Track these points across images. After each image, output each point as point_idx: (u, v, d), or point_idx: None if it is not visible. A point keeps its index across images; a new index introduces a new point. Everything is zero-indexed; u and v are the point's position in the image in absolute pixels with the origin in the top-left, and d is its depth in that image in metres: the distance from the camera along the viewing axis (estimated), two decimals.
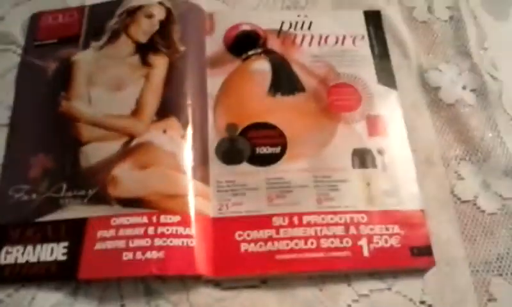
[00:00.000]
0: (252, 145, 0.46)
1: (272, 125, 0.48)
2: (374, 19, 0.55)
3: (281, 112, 0.48)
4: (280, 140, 0.47)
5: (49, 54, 0.49)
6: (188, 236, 0.41)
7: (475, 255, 0.45)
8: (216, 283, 0.42)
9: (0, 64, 0.50)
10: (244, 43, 0.52)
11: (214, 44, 0.52)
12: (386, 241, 0.43)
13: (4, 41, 0.51)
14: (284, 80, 0.50)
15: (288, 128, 0.47)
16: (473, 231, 0.46)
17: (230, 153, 0.46)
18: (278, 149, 0.47)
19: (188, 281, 0.42)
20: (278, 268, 0.42)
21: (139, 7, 0.50)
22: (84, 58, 0.49)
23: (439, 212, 0.47)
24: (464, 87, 0.53)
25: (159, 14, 0.50)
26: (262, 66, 0.51)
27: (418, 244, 0.44)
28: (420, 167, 0.48)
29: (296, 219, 0.44)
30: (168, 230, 0.41)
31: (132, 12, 0.50)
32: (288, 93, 0.50)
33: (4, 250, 0.41)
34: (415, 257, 0.43)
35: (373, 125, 0.48)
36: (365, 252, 0.43)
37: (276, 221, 0.44)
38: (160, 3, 0.51)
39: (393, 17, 0.56)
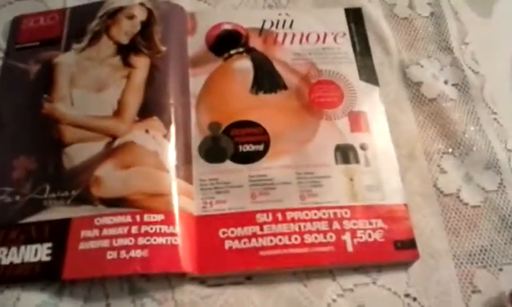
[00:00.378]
0: (235, 143, 0.47)
1: (255, 123, 0.48)
2: (355, 16, 0.55)
3: (263, 110, 0.49)
4: (262, 137, 0.47)
5: (31, 56, 0.49)
6: (172, 234, 0.41)
7: (459, 247, 0.46)
8: (201, 280, 0.42)
9: None
10: (225, 42, 0.52)
11: (196, 44, 0.52)
12: (369, 235, 0.44)
13: None
14: (266, 79, 0.50)
15: (271, 125, 0.48)
16: (457, 224, 0.47)
17: (213, 151, 0.46)
18: (261, 147, 0.47)
19: (173, 278, 0.42)
20: (263, 265, 0.42)
21: (120, 9, 0.51)
22: (65, 60, 0.49)
23: (422, 205, 0.47)
24: (445, 82, 0.53)
25: (140, 15, 0.50)
26: (244, 65, 0.51)
27: (401, 238, 0.44)
28: (403, 162, 0.48)
29: (279, 216, 0.44)
30: (151, 229, 0.41)
31: (113, 13, 0.50)
32: (271, 90, 0.50)
33: None
34: (399, 250, 0.43)
35: (355, 121, 0.49)
36: (349, 247, 0.43)
37: (260, 218, 0.44)
38: (141, 4, 0.51)
39: (374, 14, 0.56)
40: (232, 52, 0.51)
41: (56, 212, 0.42)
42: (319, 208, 0.44)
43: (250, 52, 0.52)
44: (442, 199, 0.48)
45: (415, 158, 0.49)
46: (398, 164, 0.48)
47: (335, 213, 0.44)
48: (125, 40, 0.49)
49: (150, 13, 0.51)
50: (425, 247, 0.45)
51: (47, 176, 0.44)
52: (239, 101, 0.49)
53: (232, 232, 0.43)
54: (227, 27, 0.53)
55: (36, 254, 0.41)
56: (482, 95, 0.52)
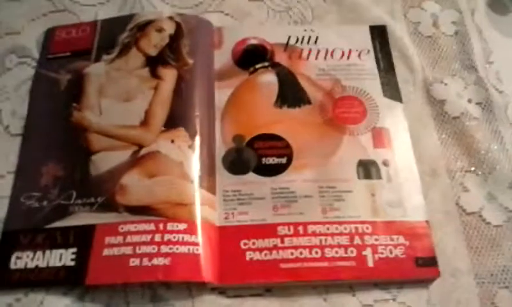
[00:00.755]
0: (258, 155, 0.47)
1: (279, 136, 0.48)
2: (379, 34, 0.56)
3: (287, 123, 0.49)
4: (286, 151, 0.48)
5: (62, 66, 0.51)
6: (194, 243, 0.42)
7: (481, 267, 0.45)
8: (221, 291, 0.43)
9: (16, 77, 0.51)
10: (251, 56, 0.53)
11: (222, 57, 0.53)
12: (390, 251, 0.43)
13: (20, 54, 0.52)
14: (290, 93, 0.51)
15: (294, 139, 0.48)
16: (479, 243, 0.46)
17: (237, 163, 0.47)
18: (284, 160, 0.47)
19: (194, 288, 0.42)
20: (283, 277, 0.42)
21: (150, 22, 0.52)
22: (95, 71, 0.50)
23: (444, 223, 0.47)
24: (469, 101, 0.53)
25: (169, 28, 0.52)
26: (269, 79, 0.52)
27: (422, 255, 0.44)
28: (426, 179, 0.48)
29: (300, 229, 0.44)
30: (174, 237, 0.42)
31: (143, 26, 0.52)
32: (295, 105, 0.50)
33: (14, 255, 0.42)
34: (420, 267, 0.43)
35: (378, 137, 0.49)
36: (370, 263, 0.43)
37: (281, 230, 0.44)
38: (170, 18, 0.52)
39: (399, 32, 0.56)
40: (258, 66, 0.52)
41: (81, 218, 0.43)
42: (340, 223, 0.45)
43: (275, 66, 0.53)
44: (464, 217, 0.47)
45: (438, 176, 0.49)
46: (420, 181, 0.48)
47: (356, 228, 0.44)
48: (153, 52, 0.51)
49: (178, 26, 0.52)
50: (447, 265, 0.44)
51: (73, 182, 0.45)
52: (263, 114, 0.50)
53: (253, 243, 0.43)
54: (253, 42, 0.54)
55: (60, 259, 0.42)
56: (506, 114, 0.52)
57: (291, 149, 0.48)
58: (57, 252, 0.42)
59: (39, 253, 0.42)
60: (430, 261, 0.43)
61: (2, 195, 0.45)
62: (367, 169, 0.47)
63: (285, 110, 0.50)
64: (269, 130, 0.49)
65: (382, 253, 0.43)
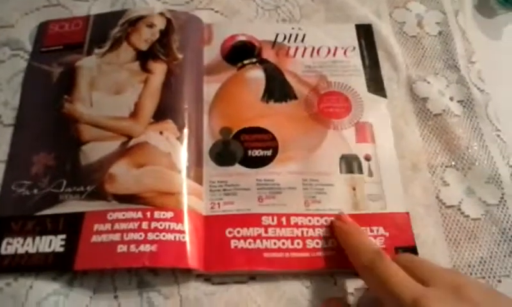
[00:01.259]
0: (245, 148, 0.49)
1: (265, 130, 0.50)
2: (365, 32, 0.57)
3: (273, 117, 0.51)
4: (271, 143, 0.49)
5: (55, 59, 0.52)
6: (180, 231, 0.43)
7: (459, 258, 0.47)
8: (206, 278, 0.44)
9: (9, 69, 0.52)
10: (239, 52, 0.54)
11: (211, 53, 0.54)
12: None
13: (13, 47, 0.53)
14: (277, 88, 0.52)
15: (280, 132, 0.50)
16: (458, 235, 0.48)
17: (223, 155, 0.48)
18: (269, 152, 0.49)
19: (179, 274, 0.44)
20: (266, 266, 0.44)
21: (141, 17, 0.53)
22: (87, 64, 0.51)
23: (424, 216, 0.48)
24: (451, 99, 0.55)
25: (160, 24, 0.53)
26: (256, 75, 0.53)
27: (403, 245, 0.45)
28: (407, 173, 0.50)
29: (284, 220, 0.46)
30: (161, 225, 0.43)
31: (134, 22, 0.53)
32: (281, 100, 0.52)
33: (5, 241, 0.43)
34: None
35: (361, 131, 0.50)
36: None
37: (265, 220, 0.45)
38: (161, 14, 0.53)
39: (384, 31, 0.58)
40: (246, 62, 0.54)
41: (71, 206, 0.44)
42: (321, 215, 0.46)
43: (263, 63, 0.54)
44: (444, 210, 0.49)
45: (419, 170, 0.50)
46: (401, 175, 0.49)
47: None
48: (144, 47, 0.52)
49: (169, 22, 0.53)
50: (427, 256, 0.45)
51: (64, 172, 0.46)
52: (250, 108, 0.51)
53: (238, 232, 0.45)
54: (242, 38, 0.55)
55: (50, 245, 0.43)
56: (486, 112, 0.54)
57: (277, 142, 0.49)
58: (46, 239, 0.43)
59: (29, 239, 0.43)
60: (410, 251, 0.45)
61: None
62: (349, 163, 0.49)
63: (272, 105, 0.51)
64: (255, 124, 0.50)
65: None
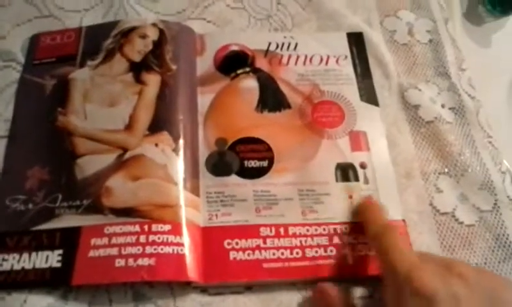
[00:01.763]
0: (240, 158, 0.49)
1: (260, 140, 0.50)
2: (356, 40, 0.58)
3: (268, 127, 0.51)
4: (267, 154, 0.49)
5: (47, 71, 0.51)
6: (178, 244, 0.43)
7: None
8: (203, 289, 0.44)
9: (1, 80, 0.52)
10: (233, 62, 0.54)
11: (204, 64, 0.54)
12: (369, 249, 0.45)
13: (5, 58, 0.53)
14: (271, 98, 0.53)
15: (275, 143, 0.50)
16: (452, 242, 0.48)
17: (219, 166, 0.48)
18: (265, 163, 0.49)
19: (175, 287, 0.43)
20: (265, 276, 0.44)
21: (134, 28, 0.53)
22: (80, 76, 0.51)
23: (418, 223, 0.49)
24: (443, 106, 0.55)
25: (153, 35, 0.53)
26: (250, 84, 0.53)
27: None
28: (401, 181, 0.50)
29: (282, 230, 0.46)
30: (159, 238, 0.43)
31: (127, 33, 0.53)
32: (275, 109, 0.52)
33: (0, 257, 0.43)
34: None
35: (356, 140, 0.51)
36: (349, 261, 0.45)
37: (263, 231, 0.45)
38: (153, 24, 0.53)
39: (375, 39, 0.58)
40: (239, 71, 0.54)
41: (67, 221, 0.44)
42: (319, 224, 0.46)
43: (256, 72, 0.54)
44: (438, 217, 0.49)
45: (412, 178, 0.51)
46: (396, 183, 0.50)
47: (334, 229, 0.46)
48: (137, 58, 0.52)
49: (161, 33, 0.53)
50: None
51: (59, 186, 0.46)
52: (244, 118, 0.51)
53: (237, 243, 0.45)
54: (234, 48, 0.55)
55: (47, 261, 0.42)
56: (477, 119, 0.54)
57: (272, 153, 0.49)
58: (43, 254, 0.43)
59: (25, 255, 0.42)
60: None
61: None
62: (345, 171, 0.49)
63: (266, 115, 0.52)
64: (250, 134, 0.50)
65: (361, 251, 0.45)
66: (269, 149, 0.49)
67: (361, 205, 0.47)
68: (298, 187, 0.48)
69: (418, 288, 0.36)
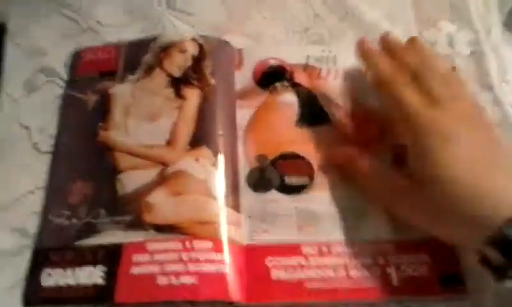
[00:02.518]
0: (281, 175, 0.48)
1: (301, 156, 0.49)
2: None
3: (308, 143, 0.50)
4: (307, 170, 0.48)
5: (89, 87, 0.52)
6: (220, 262, 0.43)
7: None
8: None
9: (44, 95, 0.52)
10: (271, 76, 0.54)
11: (243, 78, 0.54)
12: (415, 270, 0.44)
13: (48, 73, 0.54)
14: (310, 112, 0.52)
15: (316, 158, 0.49)
16: None
17: (261, 181, 0.48)
18: (306, 179, 0.48)
19: (218, 304, 0.43)
20: (308, 297, 0.43)
21: (173, 44, 0.53)
22: (121, 91, 0.51)
23: None
24: None
25: (192, 49, 0.53)
26: (289, 98, 0.53)
27: (448, 272, 0.44)
28: None
29: (325, 248, 0.45)
30: (201, 256, 0.43)
31: (166, 47, 0.53)
32: (315, 124, 0.51)
33: (45, 272, 0.43)
34: (445, 285, 0.43)
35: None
36: (394, 282, 0.43)
37: (306, 249, 0.45)
38: (193, 39, 0.53)
39: None
40: (277, 84, 0.53)
41: (109, 236, 0.44)
42: (363, 243, 0.45)
43: (295, 86, 0.53)
44: None
45: None
46: None
47: (379, 248, 0.45)
48: (177, 73, 0.52)
49: (201, 48, 0.53)
50: (472, 282, 0.44)
51: (101, 201, 0.46)
52: (284, 134, 0.51)
53: (279, 262, 0.44)
54: (272, 62, 0.55)
55: (90, 277, 0.43)
56: None
57: (313, 169, 0.48)
58: (86, 270, 0.43)
59: (69, 271, 0.43)
60: (455, 279, 0.44)
61: (33, 210, 0.47)
62: None
63: (306, 130, 0.51)
64: (290, 149, 0.49)
65: (406, 271, 0.44)
66: (310, 165, 0.49)
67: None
68: (340, 204, 0.47)
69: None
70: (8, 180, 0.48)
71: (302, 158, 0.49)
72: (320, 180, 0.48)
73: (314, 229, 0.46)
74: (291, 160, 0.49)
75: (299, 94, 0.53)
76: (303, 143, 0.50)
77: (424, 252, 0.45)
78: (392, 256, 0.44)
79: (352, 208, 0.47)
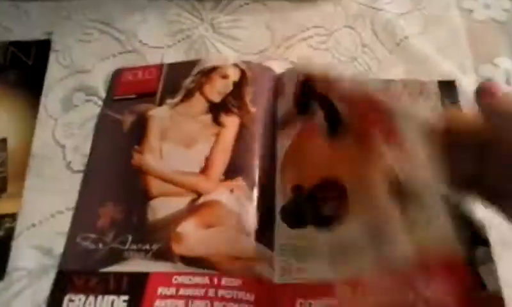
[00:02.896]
0: (317, 206, 0.45)
1: (335, 181, 0.46)
2: (447, 89, 0.53)
3: (340, 160, 0.47)
4: (343, 199, 0.45)
5: (126, 108, 0.51)
6: (248, 302, 0.40)
7: None
8: None
9: (82, 114, 0.52)
10: (304, 96, 0.51)
11: (285, 105, 0.51)
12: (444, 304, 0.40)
13: (88, 92, 0.53)
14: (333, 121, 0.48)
15: (347, 178, 0.46)
16: None
17: (295, 216, 0.45)
18: (341, 210, 0.45)
19: None
20: None
21: (215, 68, 0.52)
22: (159, 114, 0.50)
23: (507, 253, 0.43)
24: None
25: (234, 75, 0.52)
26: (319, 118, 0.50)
27: None
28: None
29: (359, 288, 0.42)
30: (228, 294, 0.40)
31: (208, 72, 0.52)
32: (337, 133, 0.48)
33: (67, 297, 0.41)
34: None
35: None
36: None
37: (339, 291, 0.42)
38: (235, 65, 0.52)
39: (470, 88, 0.54)
40: (313, 104, 0.51)
41: (135, 264, 0.43)
42: (393, 274, 0.41)
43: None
44: None
45: None
46: None
47: (407, 277, 0.41)
48: (217, 99, 0.51)
49: (242, 73, 0.52)
50: None
51: (130, 226, 0.44)
52: (319, 157, 0.47)
53: (310, 305, 0.41)
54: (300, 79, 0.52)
55: (112, 306, 0.41)
56: None
57: (346, 195, 0.45)
58: (109, 298, 0.41)
59: (91, 298, 0.41)
60: None
61: (60, 231, 0.45)
62: None
63: (335, 144, 0.47)
64: (325, 174, 0.46)
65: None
66: (344, 189, 0.45)
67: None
68: (371, 232, 0.44)
69: None
70: (40, 197, 0.48)
71: (335, 183, 0.46)
72: (354, 206, 0.45)
73: (349, 265, 0.42)
74: (326, 189, 0.46)
75: (322, 106, 0.50)
76: (336, 162, 0.47)
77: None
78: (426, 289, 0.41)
79: (381, 235, 0.43)
